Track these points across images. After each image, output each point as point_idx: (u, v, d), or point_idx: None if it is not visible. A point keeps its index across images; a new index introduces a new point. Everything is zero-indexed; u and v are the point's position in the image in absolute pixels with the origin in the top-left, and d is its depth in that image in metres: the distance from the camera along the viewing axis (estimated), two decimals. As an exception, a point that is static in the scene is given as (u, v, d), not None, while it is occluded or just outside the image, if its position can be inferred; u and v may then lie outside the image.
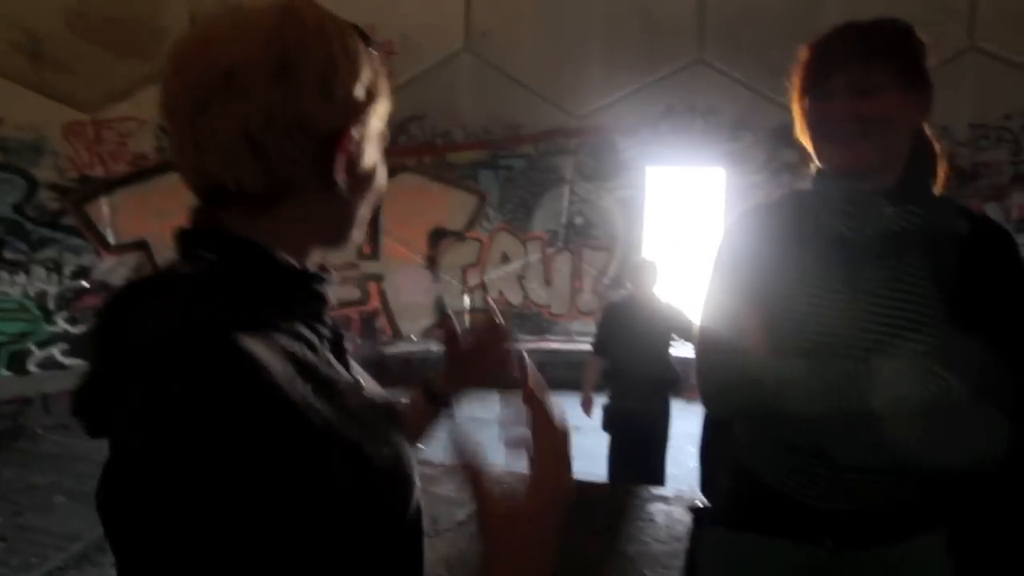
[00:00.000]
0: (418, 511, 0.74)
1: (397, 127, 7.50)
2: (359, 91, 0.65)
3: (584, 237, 7.59)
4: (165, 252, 7.38)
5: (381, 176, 0.71)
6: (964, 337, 1.03)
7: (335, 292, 0.71)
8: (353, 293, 7.41)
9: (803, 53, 1.13)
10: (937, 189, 1.16)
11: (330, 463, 0.59)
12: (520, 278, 7.71)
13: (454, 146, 7.52)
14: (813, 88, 1.11)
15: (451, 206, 7.66)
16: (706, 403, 1.14)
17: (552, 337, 7.56)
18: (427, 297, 7.78)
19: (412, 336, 7.71)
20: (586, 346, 6.89)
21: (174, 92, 0.62)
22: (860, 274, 1.09)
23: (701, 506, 1.31)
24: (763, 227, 1.18)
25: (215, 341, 0.57)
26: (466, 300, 7.79)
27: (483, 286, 7.75)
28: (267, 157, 0.61)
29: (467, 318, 7.79)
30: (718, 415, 1.16)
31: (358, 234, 0.72)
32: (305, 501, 0.55)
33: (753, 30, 6.55)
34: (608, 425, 3.74)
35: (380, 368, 6.94)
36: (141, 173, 6.46)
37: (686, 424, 4.80)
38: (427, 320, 7.81)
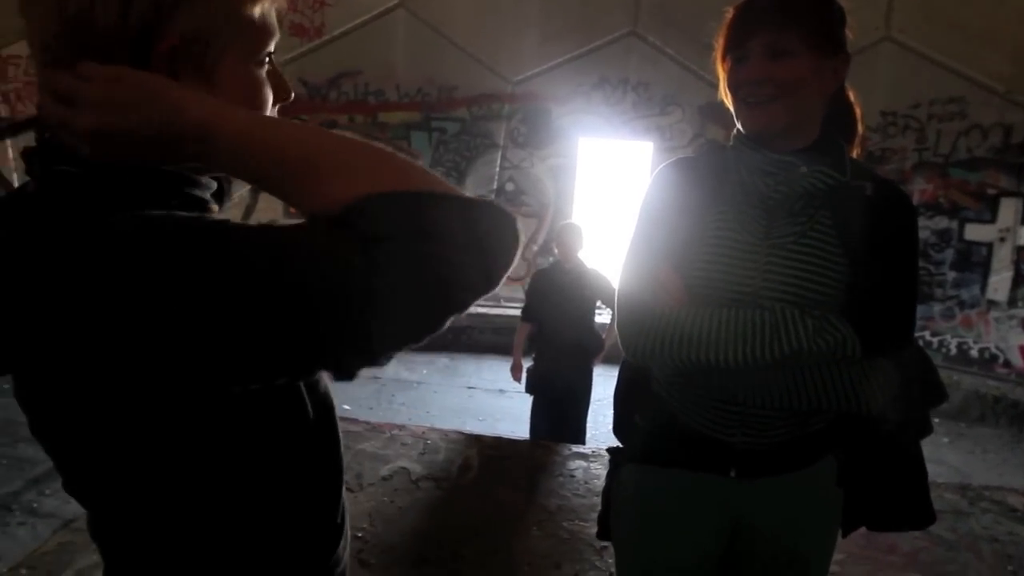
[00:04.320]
0: (327, 394, 0.76)
1: (329, 82, 7.30)
2: None
3: (515, 203, 7.63)
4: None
5: (256, 77, 0.68)
6: (863, 291, 1.13)
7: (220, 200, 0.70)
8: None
9: (727, 15, 1.17)
10: (854, 150, 1.23)
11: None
12: (450, 242, 7.71)
13: (387, 105, 7.39)
14: (732, 50, 1.15)
15: (382, 167, 7.55)
16: (626, 350, 1.18)
17: (480, 302, 7.62)
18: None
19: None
20: (514, 311, 6.99)
21: None
22: (774, 229, 1.16)
23: (617, 447, 1.39)
24: (684, 181, 1.23)
25: (97, 220, 0.55)
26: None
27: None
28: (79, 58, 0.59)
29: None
30: (637, 362, 1.21)
31: None
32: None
33: (685, 6, 6.67)
34: (532, 387, 3.85)
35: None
36: (50, 116, 6.09)
37: (608, 389, 4.96)
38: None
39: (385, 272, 0.53)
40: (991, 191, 6.27)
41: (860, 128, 1.25)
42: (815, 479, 1.25)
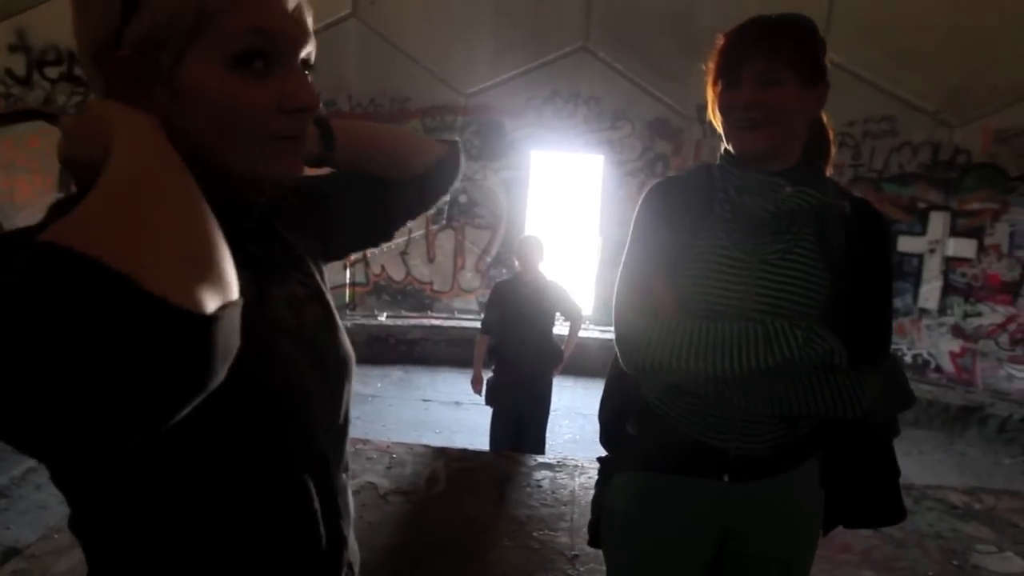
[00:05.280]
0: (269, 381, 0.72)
1: (279, 92, 7.19)
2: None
3: (468, 215, 7.66)
4: (10, 210, 6.67)
5: (224, 80, 0.65)
6: (844, 303, 1.20)
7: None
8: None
9: (719, 41, 1.23)
10: (828, 171, 1.31)
11: None
12: (403, 254, 7.68)
13: (339, 115, 7.32)
14: (723, 76, 1.21)
15: (333, 177, 7.47)
16: (625, 364, 1.23)
17: (434, 314, 7.61)
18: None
19: (289, 309, 7.46)
20: (468, 323, 7.00)
21: None
22: (762, 246, 1.23)
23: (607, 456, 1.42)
24: (674, 199, 1.28)
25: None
26: (347, 274, 7.66)
27: (365, 261, 7.65)
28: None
29: (347, 292, 7.67)
30: (633, 372, 1.25)
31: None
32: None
33: (635, 24, 6.85)
34: (491, 399, 3.86)
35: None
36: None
37: (563, 399, 5.03)
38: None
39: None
40: (921, 205, 6.62)
41: (833, 150, 1.34)
42: (800, 481, 1.31)
